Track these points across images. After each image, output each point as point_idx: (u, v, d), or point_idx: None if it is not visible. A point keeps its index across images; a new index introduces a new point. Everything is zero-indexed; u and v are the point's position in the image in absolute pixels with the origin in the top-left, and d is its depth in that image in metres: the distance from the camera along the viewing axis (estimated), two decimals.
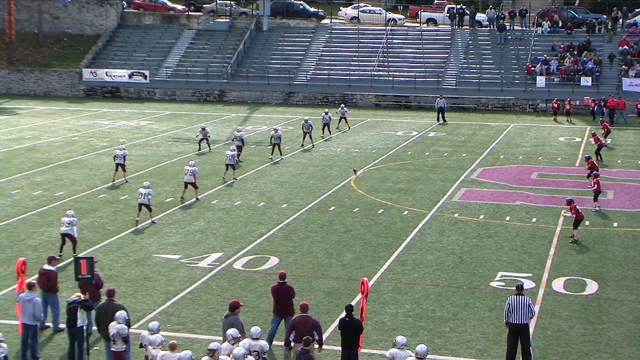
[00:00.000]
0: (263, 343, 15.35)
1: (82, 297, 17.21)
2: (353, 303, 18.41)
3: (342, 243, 26.02)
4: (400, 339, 15.13)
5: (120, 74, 66.02)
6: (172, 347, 14.97)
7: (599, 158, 38.47)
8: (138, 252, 24.89)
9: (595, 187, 30.11)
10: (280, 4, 73.34)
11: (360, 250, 25.25)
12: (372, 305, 19.52)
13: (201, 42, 70.27)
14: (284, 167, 37.84)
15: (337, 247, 25.62)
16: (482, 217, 29.23)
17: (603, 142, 40.53)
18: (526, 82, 60.83)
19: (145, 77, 65.70)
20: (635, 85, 58.55)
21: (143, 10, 75.08)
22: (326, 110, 48.85)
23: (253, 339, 15.15)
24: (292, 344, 16.30)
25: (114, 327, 16.08)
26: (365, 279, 17.86)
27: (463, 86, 61.63)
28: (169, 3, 77.30)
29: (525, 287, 21.62)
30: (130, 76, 65.92)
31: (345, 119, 49.28)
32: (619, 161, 39.76)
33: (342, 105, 52.58)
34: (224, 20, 72.44)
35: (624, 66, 60.60)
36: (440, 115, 52.52)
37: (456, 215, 29.50)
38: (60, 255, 23.38)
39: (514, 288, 17.86)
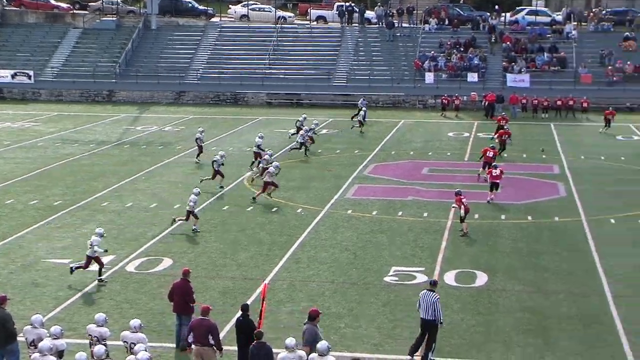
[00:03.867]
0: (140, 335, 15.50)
1: None
2: (249, 302, 18.41)
3: (236, 242, 25.94)
4: (289, 341, 15.01)
5: (2, 75, 63.93)
6: None
7: (502, 149, 39.42)
8: (25, 258, 24.20)
9: (494, 177, 30.97)
10: (168, 2, 72.43)
11: (255, 249, 25.22)
12: (267, 304, 19.51)
13: (88, 41, 68.78)
14: (176, 167, 37.45)
15: (231, 246, 25.53)
16: (374, 213, 29.62)
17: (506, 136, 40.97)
18: (415, 79, 61.93)
19: (30, 78, 63.86)
20: (519, 80, 60.36)
21: (25, 8, 72.92)
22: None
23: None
24: (193, 346, 16.20)
25: (31, 333, 15.63)
26: (266, 283, 17.84)
27: (354, 83, 62.28)
28: (52, 1, 75.28)
29: (418, 281, 22.17)
30: (13, 76, 63.94)
31: (299, 130, 43.52)
32: (505, 155, 40.87)
33: (304, 115, 46.51)
34: (111, 19, 71.10)
35: (506, 63, 62.30)
36: (358, 114, 52.24)
37: (349, 211, 29.80)
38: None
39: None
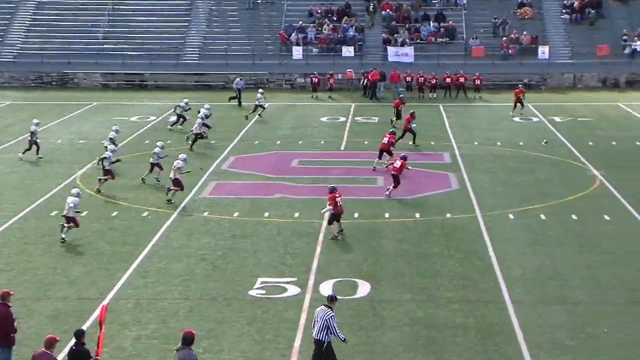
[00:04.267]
0: None
1: None
2: (85, 327, 18.07)
3: (68, 255, 25.54)
4: None
5: None
6: None
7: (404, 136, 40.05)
8: None
9: (393, 169, 31.46)
10: None
11: (92, 263, 24.87)
12: (109, 328, 19.19)
13: None
14: None
15: (62, 260, 25.12)
16: (236, 214, 29.63)
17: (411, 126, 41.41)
18: (280, 54, 62.23)
19: None
20: (401, 54, 61.29)
21: None
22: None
23: None
24: None
25: None
26: (105, 303, 17.58)
27: (208, 60, 62.07)
28: None
29: (289, 294, 22.30)
30: None
31: (182, 117, 44.71)
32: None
33: (186, 100, 47.01)
34: None
35: (387, 34, 63.20)
36: (237, 97, 52.09)
37: (206, 214, 29.72)
38: None
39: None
